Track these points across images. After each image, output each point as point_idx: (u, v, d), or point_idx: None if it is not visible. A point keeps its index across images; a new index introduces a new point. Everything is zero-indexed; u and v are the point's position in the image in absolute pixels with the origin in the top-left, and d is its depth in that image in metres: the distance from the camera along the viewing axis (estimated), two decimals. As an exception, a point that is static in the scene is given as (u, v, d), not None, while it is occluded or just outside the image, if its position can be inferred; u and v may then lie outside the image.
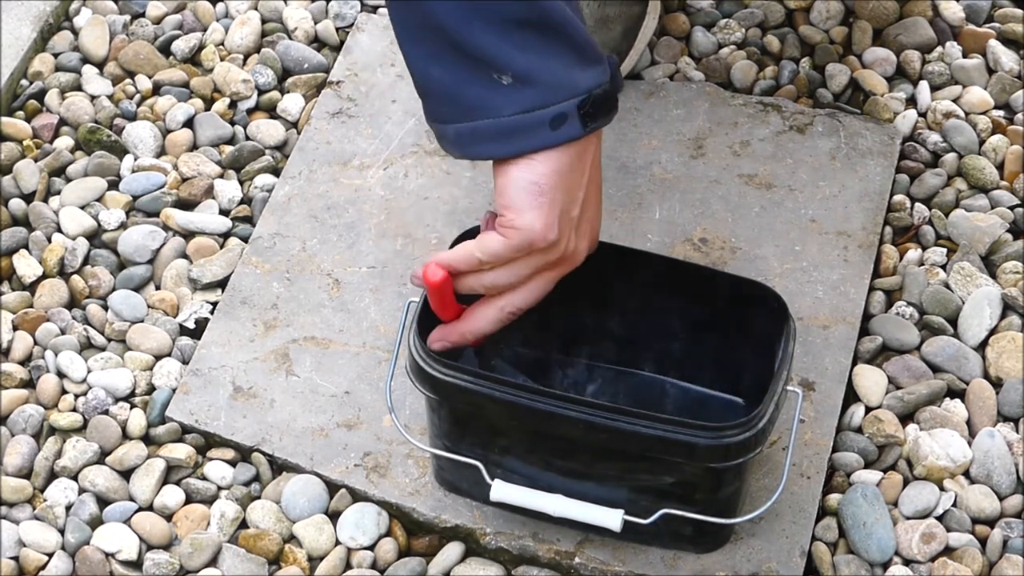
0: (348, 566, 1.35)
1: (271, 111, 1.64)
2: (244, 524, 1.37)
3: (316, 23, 1.69)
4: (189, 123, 1.62)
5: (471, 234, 1.24)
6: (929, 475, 1.37)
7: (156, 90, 1.65)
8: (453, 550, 1.34)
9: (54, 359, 1.45)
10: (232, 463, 1.40)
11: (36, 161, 1.58)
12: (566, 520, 1.26)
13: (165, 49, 1.67)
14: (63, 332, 1.47)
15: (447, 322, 1.24)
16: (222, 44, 1.68)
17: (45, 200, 1.56)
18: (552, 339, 1.35)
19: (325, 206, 1.53)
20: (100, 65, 1.67)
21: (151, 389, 1.44)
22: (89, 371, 1.44)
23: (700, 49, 1.66)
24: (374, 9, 1.70)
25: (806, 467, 1.36)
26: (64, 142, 1.60)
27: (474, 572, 1.33)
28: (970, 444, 1.38)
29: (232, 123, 1.62)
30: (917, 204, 1.54)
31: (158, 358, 1.46)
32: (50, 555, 1.35)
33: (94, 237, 1.54)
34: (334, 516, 1.36)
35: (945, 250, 1.51)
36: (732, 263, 1.48)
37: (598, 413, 1.19)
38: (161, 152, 1.60)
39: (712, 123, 1.58)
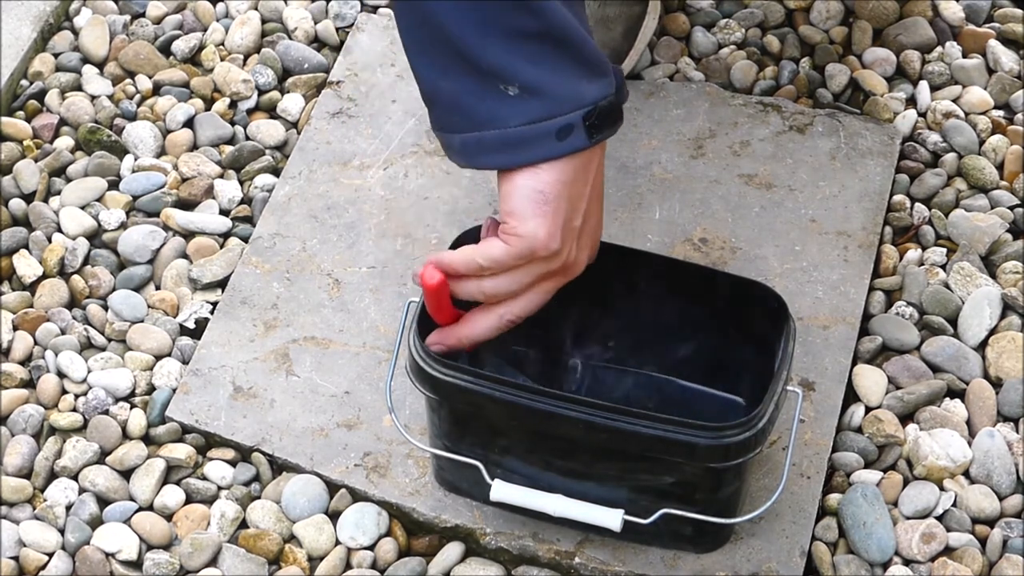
0: (348, 566, 1.34)
1: (271, 111, 1.64)
2: (244, 524, 1.37)
3: (316, 23, 1.69)
4: (189, 123, 1.62)
5: (471, 234, 1.24)
6: (929, 475, 1.37)
7: (156, 90, 1.65)
8: (453, 550, 1.34)
9: (54, 359, 1.45)
10: (232, 463, 1.40)
11: (36, 161, 1.58)
12: (566, 520, 1.26)
13: (165, 49, 1.67)
14: (63, 332, 1.47)
15: (443, 325, 1.24)
16: (222, 44, 1.68)
17: (45, 200, 1.56)
18: (552, 339, 1.35)
19: (325, 206, 1.53)
20: (100, 65, 1.67)
21: (151, 389, 1.44)
22: (89, 371, 1.44)
23: (700, 49, 1.66)
24: (374, 9, 1.70)
25: (806, 467, 1.36)
26: (64, 142, 1.60)
27: (474, 572, 1.33)
28: (970, 444, 1.38)
29: (232, 123, 1.62)
30: (917, 204, 1.54)
31: (158, 358, 1.46)
32: (50, 555, 1.35)
33: (94, 237, 1.54)
34: (334, 516, 1.36)
35: (945, 250, 1.51)
36: (732, 263, 1.48)
37: (598, 413, 1.19)
38: (161, 152, 1.60)
39: (712, 123, 1.58)
